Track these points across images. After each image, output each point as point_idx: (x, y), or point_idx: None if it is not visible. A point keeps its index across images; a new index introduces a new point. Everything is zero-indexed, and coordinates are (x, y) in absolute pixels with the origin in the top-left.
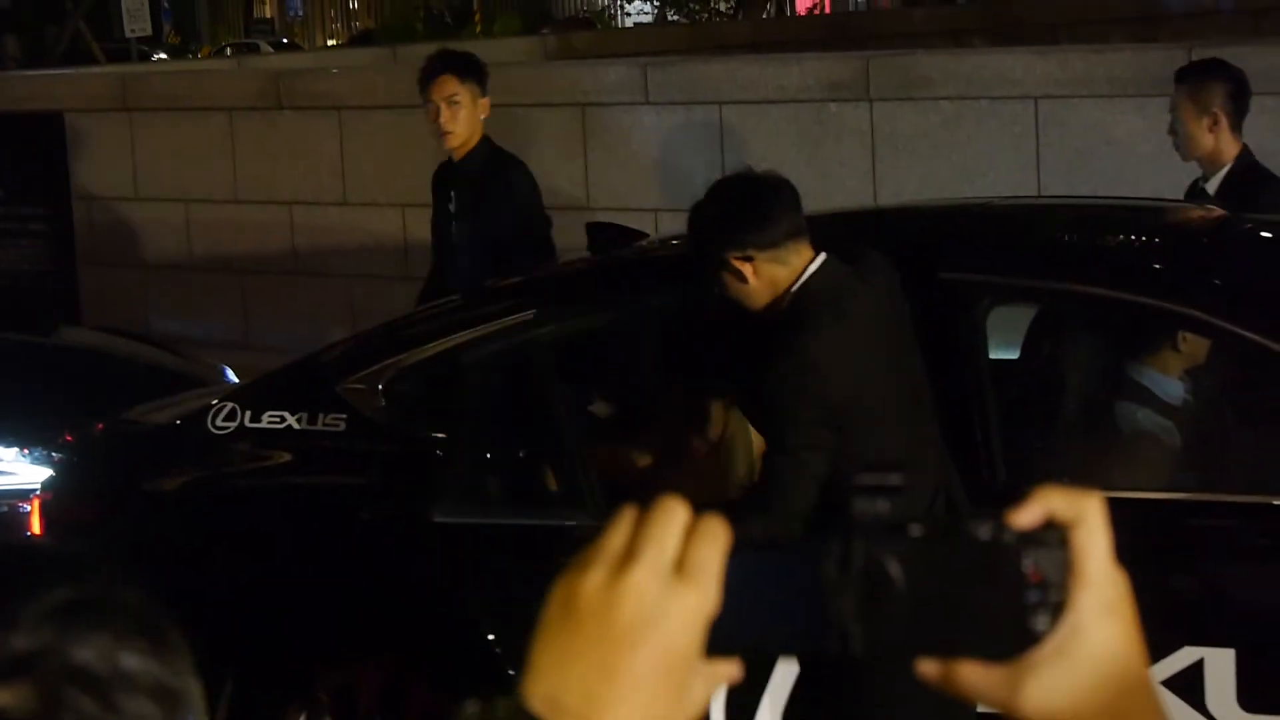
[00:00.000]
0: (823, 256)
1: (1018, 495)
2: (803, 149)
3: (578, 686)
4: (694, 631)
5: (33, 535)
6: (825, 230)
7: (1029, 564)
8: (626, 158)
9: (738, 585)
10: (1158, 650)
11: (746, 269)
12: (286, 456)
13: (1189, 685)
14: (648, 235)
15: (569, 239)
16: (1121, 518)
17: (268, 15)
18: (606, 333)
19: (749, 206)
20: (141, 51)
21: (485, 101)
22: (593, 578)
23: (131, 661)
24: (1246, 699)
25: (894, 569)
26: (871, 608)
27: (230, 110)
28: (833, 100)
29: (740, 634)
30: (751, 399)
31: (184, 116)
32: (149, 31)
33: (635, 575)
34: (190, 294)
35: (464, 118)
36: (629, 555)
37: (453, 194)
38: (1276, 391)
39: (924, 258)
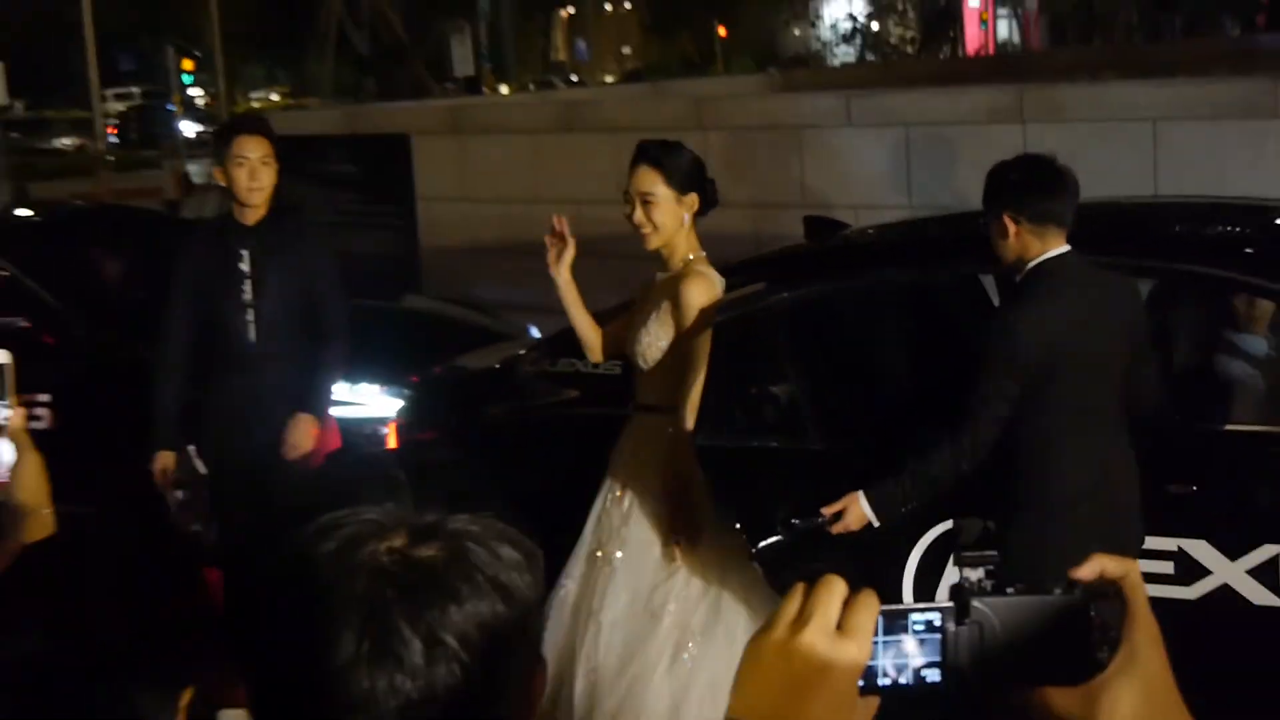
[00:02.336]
0: (1067, 248)
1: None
2: (972, 162)
3: (769, 711)
4: (854, 676)
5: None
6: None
7: (1093, 612)
8: (832, 168)
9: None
10: (1246, 544)
11: (1011, 228)
12: (575, 393)
13: (1269, 573)
14: (850, 226)
15: (790, 229)
16: (1223, 446)
17: (561, 59)
18: (824, 302)
19: (1038, 183)
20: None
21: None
22: (775, 636)
23: (497, 525)
24: None
25: (995, 621)
26: (980, 650)
27: (533, 133)
28: (994, 123)
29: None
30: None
31: (499, 138)
32: (473, 72)
33: (806, 635)
34: (504, 270)
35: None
36: (801, 619)
37: (244, 254)
38: None
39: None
